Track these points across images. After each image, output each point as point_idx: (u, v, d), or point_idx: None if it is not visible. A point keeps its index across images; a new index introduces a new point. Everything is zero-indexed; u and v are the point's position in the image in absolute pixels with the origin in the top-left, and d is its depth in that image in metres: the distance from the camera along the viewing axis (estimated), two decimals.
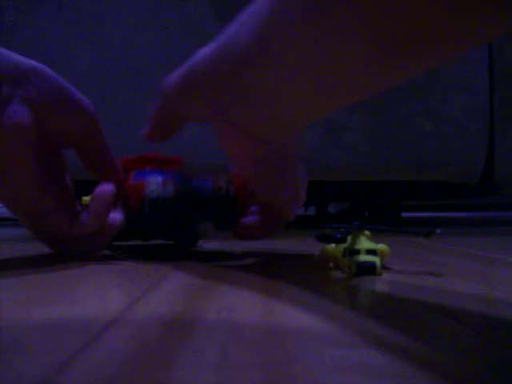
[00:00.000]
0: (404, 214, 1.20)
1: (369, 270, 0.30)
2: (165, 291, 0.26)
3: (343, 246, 0.31)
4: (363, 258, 0.30)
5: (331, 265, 0.33)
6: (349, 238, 0.31)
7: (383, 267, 0.31)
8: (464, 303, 0.24)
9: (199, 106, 0.33)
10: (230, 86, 0.29)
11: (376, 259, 0.30)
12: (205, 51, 0.31)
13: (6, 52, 0.34)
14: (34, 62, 0.35)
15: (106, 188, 0.37)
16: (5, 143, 0.33)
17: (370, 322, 0.20)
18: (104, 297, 0.25)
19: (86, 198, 0.41)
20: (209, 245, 0.47)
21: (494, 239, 0.62)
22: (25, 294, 0.26)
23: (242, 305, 0.23)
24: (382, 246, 0.32)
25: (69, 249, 0.38)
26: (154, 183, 0.38)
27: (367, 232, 0.32)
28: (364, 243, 0.31)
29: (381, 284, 0.28)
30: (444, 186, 0.90)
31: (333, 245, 0.33)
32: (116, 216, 0.37)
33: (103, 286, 0.28)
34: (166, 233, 0.42)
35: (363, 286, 0.28)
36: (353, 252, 0.30)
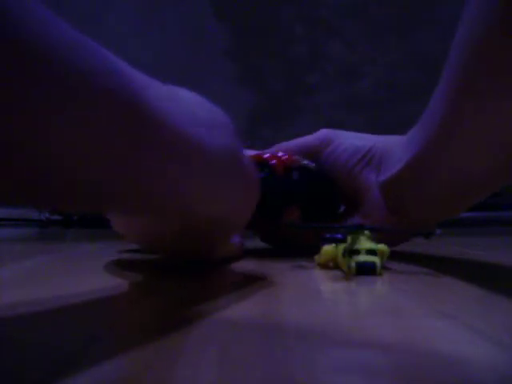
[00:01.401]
0: None
1: (369, 270, 0.30)
2: (165, 289, 0.26)
3: (343, 245, 0.31)
4: (363, 258, 0.30)
5: (331, 265, 0.33)
6: (348, 238, 0.31)
7: (383, 267, 0.31)
8: (464, 303, 0.24)
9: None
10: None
11: (376, 259, 0.30)
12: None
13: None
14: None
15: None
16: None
17: (369, 322, 0.20)
18: (105, 295, 0.25)
19: None
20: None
21: (493, 239, 0.62)
22: (26, 289, 0.26)
23: (242, 305, 0.23)
24: (381, 246, 0.32)
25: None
26: (299, 158, 0.43)
27: (367, 232, 0.32)
28: (364, 243, 0.31)
29: (381, 284, 0.28)
30: None
31: (332, 245, 0.33)
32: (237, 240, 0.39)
33: (106, 278, 0.28)
34: (305, 199, 0.44)
35: (363, 286, 0.28)
36: (352, 252, 0.30)
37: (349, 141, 0.43)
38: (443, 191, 0.37)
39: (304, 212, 0.42)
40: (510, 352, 0.16)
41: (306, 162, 0.43)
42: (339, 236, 0.31)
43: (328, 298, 0.26)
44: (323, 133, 0.45)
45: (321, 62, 1.12)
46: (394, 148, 0.40)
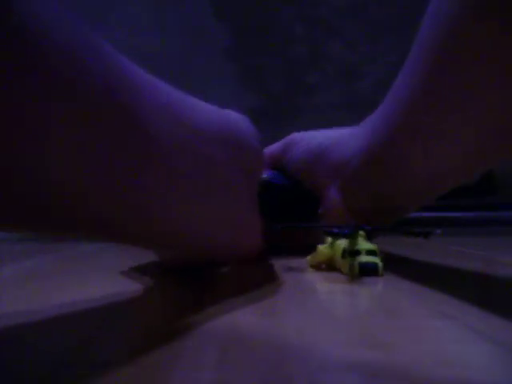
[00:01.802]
0: None
1: (371, 270, 0.30)
2: (165, 289, 0.26)
3: (341, 246, 0.31)
4: (365, 258, 0.30)
5: (323, 266, 0.33)
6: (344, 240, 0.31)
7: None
8: (464, 304, 0.23)
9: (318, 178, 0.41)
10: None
11: (377, 260, 0.30)
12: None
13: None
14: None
15: None
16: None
17: (369, 321, 0.20)
18: (105, 294, 0.25)
19: None
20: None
21: (493, 239, 0.61)
22: (26, 289, 0.26)
23: (242, 305, 0.23)
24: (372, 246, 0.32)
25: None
26: (265, 172, 0.43)
27: (361, 232, 0.32)
28: (363, 244, 0.31)
29: (381, 284, 0.28)
30: None
31: (326, 245, 0.32)
32: None
33: (105, 278, 0.28)
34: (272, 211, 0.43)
35: (363, 286, 0.28)
36: (353, 253, 0.30)
37: (309, 141, 0.43)
38: (407, 184, 0.35)
39: (277, 220, 0.41)
40: (510, 352, 0.16)
41: (265, 175, 0.42)
42: (346, 231, 0.30)
43: (327, 299, 0.26)
44: (289, 137, 0.45)
45: (321, 61, 1.12)
46: (347, 141, 0.39)
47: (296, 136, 0.45)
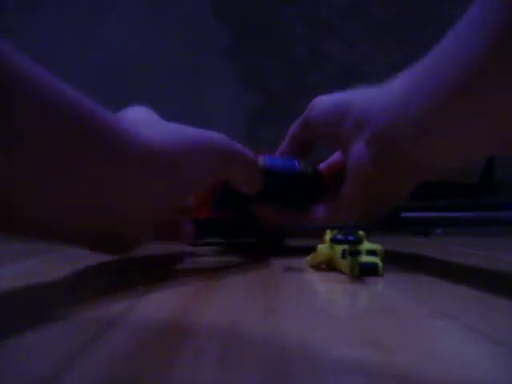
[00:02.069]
0: (404, 214, 1.20)
1: (371, 270, 0.30)
2: (165, 290, 0.26)
3: (341, 247, 0.31)
4: (365, 258, 0.30)
5: (323, 266, 0.33)
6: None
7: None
8: (464, 303, 0.23)
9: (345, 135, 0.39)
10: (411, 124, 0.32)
11: (378, 260, 0.30)
12: (371, 93, 0.37)
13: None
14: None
15: None
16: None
17: (369, 321, 0.20)
18: (105, 295, 0.25)
19: None
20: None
21: (493, 239, 0.61)
22: (26, 289, 0.26)
23: (242, 305, 0.23)
24: (378, 247, 0.32)
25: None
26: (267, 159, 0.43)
27: (361, 232, 0.32)
28: (363, 244, 0.31)
29: (381, 284, 0.28)
30: (444, 185, 0.90)
31: (326, 245, 0.32)
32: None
33: (105, 277, 0.28)
34: (268, 197, 0.43)
35: (363, 286, 0.28)
36: (353, 253, 0.30)
37: (331, 97, 0.41)
38: (436, 150, 0.33)
39: (278, 204, 0.42)
40: (510, 352, 0.16)
41: (261, 161, 0.42)
42: (351, 238, 0.30)
43: (327, 299, 0.26)
44: (310, 105, 0.43)
45: (321, 61, 1.12)
46: (377, 95, 0.37)
47: (316, 100, 0.43)
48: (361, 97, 0.39)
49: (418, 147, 0.33)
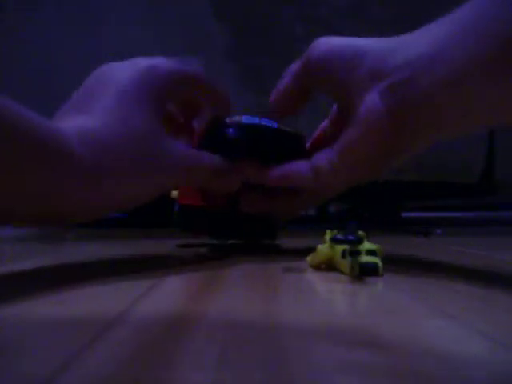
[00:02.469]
0: (404, 214, 1.20)
1: (371, 270, 0.30)
2: (165, 290, 0.26)
3: (341, 247, 0.31)
4: (365, 258, 0.30)
5: (323, 266, 0.33)
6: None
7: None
8: (464, 303, 0.24)
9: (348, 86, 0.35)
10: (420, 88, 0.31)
11: (377, 260, 0.30)
12: (379, 44, 0.34)
13: None
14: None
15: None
16: None
17: (369, 321, 0.20)
18: (105, 295, 0.25)
19: (175, 193, 0.42)
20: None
21: (493, 239, 0.61)
22: (26, 289, 0.26)
23: (242, 305, 0.23)
24: (377, 247, 0.32)
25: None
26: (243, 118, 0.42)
27: (361, 232, 0.32)
28: (363, 244, 0.31)
29: (381, 284, 0.28)
30: (444, 185, 0.90)
31: (326, 245, 0.32)
32: None
33: (105, 277, 0.28)
34: (253, 152, 0.42)
35: (362, 286, 0.28)
36: (353, 253, 0.30)
37: (334, 41, 0.37)
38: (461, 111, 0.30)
39: (265, 161, 0.40)
40: (511, 352, 0.16)
41: (236, 118, 0.41)
42: (351, 238, 0.30)
43: (327, 299, 0.26)
44: (311, 45, 0.38)
45: None
46: (395, 46, 0.34)
47: (320, 40, 0.38)
48: (376, 45, 0.35)
49: (442, 108, 0.31)
